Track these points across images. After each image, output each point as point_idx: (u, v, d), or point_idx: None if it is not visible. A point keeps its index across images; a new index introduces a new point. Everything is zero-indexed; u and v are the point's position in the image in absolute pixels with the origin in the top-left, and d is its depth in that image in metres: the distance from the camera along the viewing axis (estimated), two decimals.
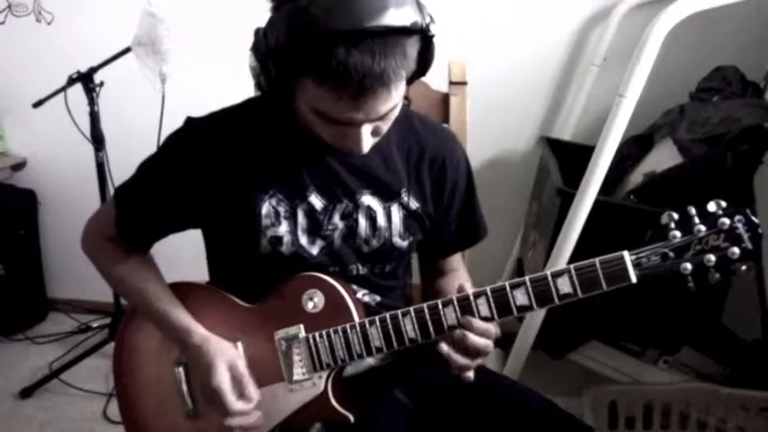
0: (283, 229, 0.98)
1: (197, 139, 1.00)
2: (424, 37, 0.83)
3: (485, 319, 0.90)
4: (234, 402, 0.93)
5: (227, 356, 0.95)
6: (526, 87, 2.11)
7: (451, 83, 1.30)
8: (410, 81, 0.89)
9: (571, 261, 1.48)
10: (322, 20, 0.75)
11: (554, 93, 2.12)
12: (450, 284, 1.13)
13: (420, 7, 0.82)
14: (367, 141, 0.88)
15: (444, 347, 0.89)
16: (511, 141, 2.18)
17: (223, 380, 0.93)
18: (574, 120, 2.05)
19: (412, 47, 0.81)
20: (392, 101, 0.84)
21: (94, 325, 2.47)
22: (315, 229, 1.00)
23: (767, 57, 1.83)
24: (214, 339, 0.97)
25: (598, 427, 1.58)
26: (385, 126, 0.90)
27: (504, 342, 1.81)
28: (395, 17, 0.77)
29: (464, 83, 1.31)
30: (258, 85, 0.88)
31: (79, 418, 1.97)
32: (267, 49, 0.82)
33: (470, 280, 1.19)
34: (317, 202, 0.99)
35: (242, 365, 0.96)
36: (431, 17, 0.83)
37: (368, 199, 1.01)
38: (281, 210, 0.98)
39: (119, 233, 1.05)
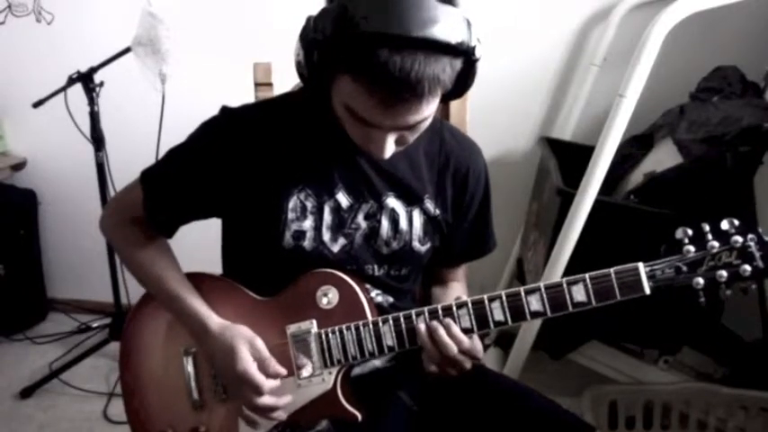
0: (308, 224, 0.99)
1: (231, 129, 1.00)
2: (468, 59, 0.83)
3: (498, 323, 0.91)
4: (264, 381, 0.93)
5: (247, 340, 0.96)
6: (526, 87, 2.11)
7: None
8: (445, 99, 0.89)
9: (571, 261, 1.49)
10: (371, 19, 0.76)
11: (554, 93, 2.12)
12: (448, 296, 1.14)
13: (470, 27, 0.81)
14: (389, 148, 0.89)
15: (425, 338, 0.91)
16: (511, 141, 2.18)
17: (248, 363, 0.93)
18: (574, 120, 2.05)
19: (453, 66, 0.81)
20: (421, 114, 0.84)
21: (94, 325, 2.48)
22: (338, 227, 1.01)
23: (767, 57, 1.83)
24: (231, 326, 0.98)
25: (598, 427, 1.58)
26: (411, 137, 0.91)
27: (505, 342, 1.81)
28: (442, 32, 0.77)
29: None
30: (301, 76, 0.89)
31: (79, 418, 1.97)
32: (313, 38, 0.82)
33: (467, 293, 1.19)
34: (343, 199, 1.00)
35: (262, 346, 0.96)
36: (478, 39, 0.82)
37: (392, 201, 1.02)
38: (309, 204, 0.99)
39: (147, 216, 1.05)
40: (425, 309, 0.94)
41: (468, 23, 0.81)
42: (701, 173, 1.52)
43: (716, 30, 1.89)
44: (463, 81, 0.85)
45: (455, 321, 0.92)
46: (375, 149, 0.89)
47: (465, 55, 0.82)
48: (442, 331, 0.91)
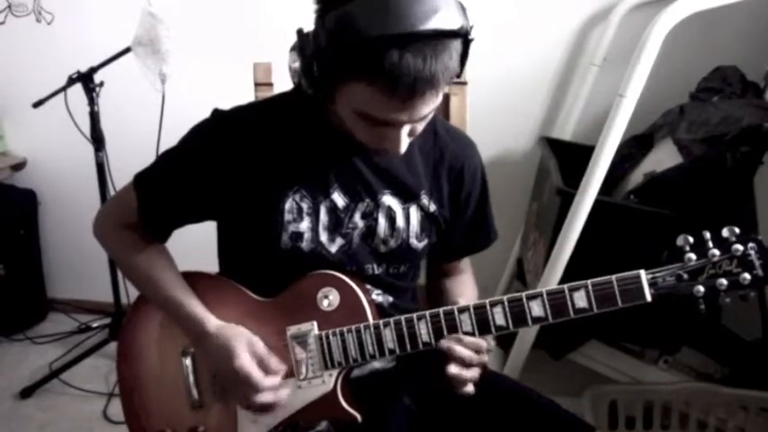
0: (305, 225, 0.99)
1: (222, 132, 1.00)
2: (465, 40, 0.84)
3: (499, 328, 0.92)
4: (262, 378, 0.93)
5: (245, 338, 0.96)
6: (526, 87, 2.11)
7: (452, 83, 1.29)
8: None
9: (571, 261, 1.49)
10: (374, 24, 0.76)
11: (554, 93, 2.12)
12: (456, 287, 1.15)
13: (464, 11, 0.82)
14: (405, 142, 0.89)
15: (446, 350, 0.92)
16: (511, 141, 2.18)
17: (245, 360, 0.93)
18: (574, 120, 2.05)
19: (456, 50, 0.82)
20: (435, 102, 0.85)
21: (94, 325, 2.48)
22: (335, 227, 1.01)
23: (767, 57, 1.83)
24: (228, 326, 0.98)
25: (598, 427, 1.58)
26: (421, 127, 0.91)
27: (504, 342, 1.81)
28: (445, 21, 0.78)
29: (464, 83, 1.31)
30: (298, 86, 0.88)
31: (79, 418, 1.97)
32: (315, 52, 0.82)
33: (475, 283, 1.20)
34: (339, 199, 1.00)
35: (260, 344, 0.96)
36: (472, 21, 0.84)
37: (388, 199, 1.02)
38: (305, 206, 0.99)
39: (141, 220, 1.05)
40: (427, 312, 0.93)
41: (461, 5, 0.82)
42: (701, 173, 1.52)
43: (716, 30, 1.89)
44: (463, 61, 0.86)
45: (457, 326, 0.92)
46: (392, 147, 0.89)
47: (464, 37, 0.83)
48: (462, 350, 0.92)
